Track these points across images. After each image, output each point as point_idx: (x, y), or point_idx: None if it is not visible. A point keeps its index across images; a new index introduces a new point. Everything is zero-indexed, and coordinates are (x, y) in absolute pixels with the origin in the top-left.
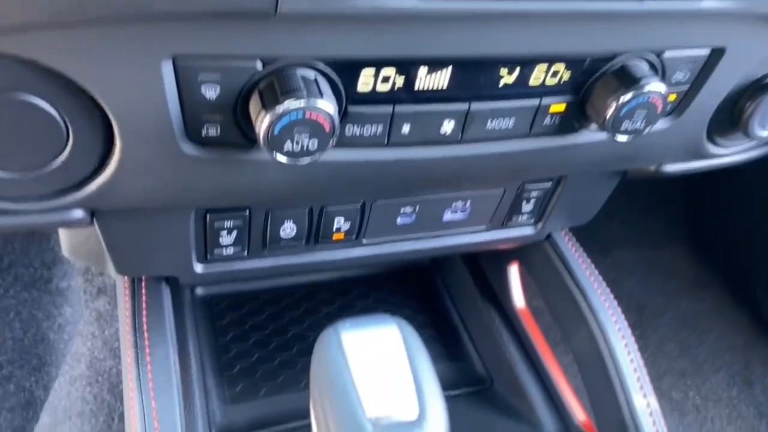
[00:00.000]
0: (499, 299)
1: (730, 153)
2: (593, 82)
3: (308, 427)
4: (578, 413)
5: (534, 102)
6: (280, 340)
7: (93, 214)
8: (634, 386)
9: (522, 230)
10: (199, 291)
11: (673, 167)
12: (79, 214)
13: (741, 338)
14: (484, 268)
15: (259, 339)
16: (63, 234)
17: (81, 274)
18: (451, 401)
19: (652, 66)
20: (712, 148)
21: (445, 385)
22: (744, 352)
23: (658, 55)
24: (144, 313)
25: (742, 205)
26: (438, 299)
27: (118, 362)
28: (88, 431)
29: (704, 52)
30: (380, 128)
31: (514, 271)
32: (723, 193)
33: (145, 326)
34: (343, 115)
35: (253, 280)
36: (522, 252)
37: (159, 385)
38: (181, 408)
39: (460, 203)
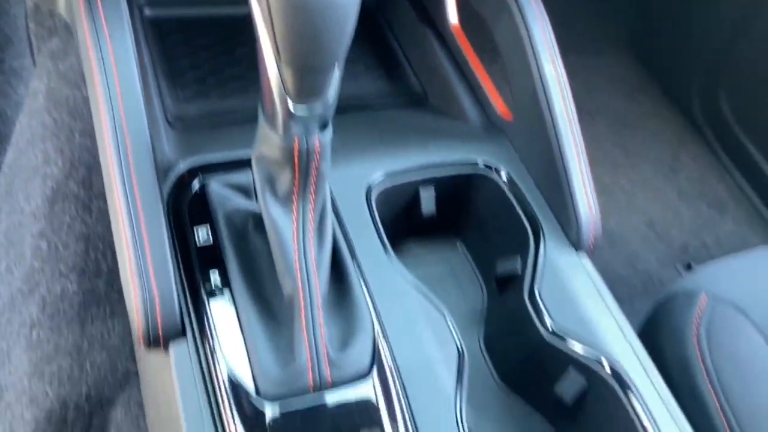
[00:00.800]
0: (436, 24)
1: None
2: None
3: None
4: (500, 105)
5: None
6: (229, 57)
7: None
8: (546, 58)
9: None
10: (148, 12)
11: None
12: None
13: (672, 135)
14: None
15: (209, 55)
16: None
17: (31, 16)
18: (390, 110)
19: None
20: None
21: (384, 97)
22: (673, 146)
23: None
24: None
25: (682, 18)
26: (380, 35)
27: (75, 91)
28: (50, 149)
29: None
30: None
31: None
32: (668, 5)
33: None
34: None
35: (201, 4)
36: None
37: (117, 42)
38: (140, 83)
39: None
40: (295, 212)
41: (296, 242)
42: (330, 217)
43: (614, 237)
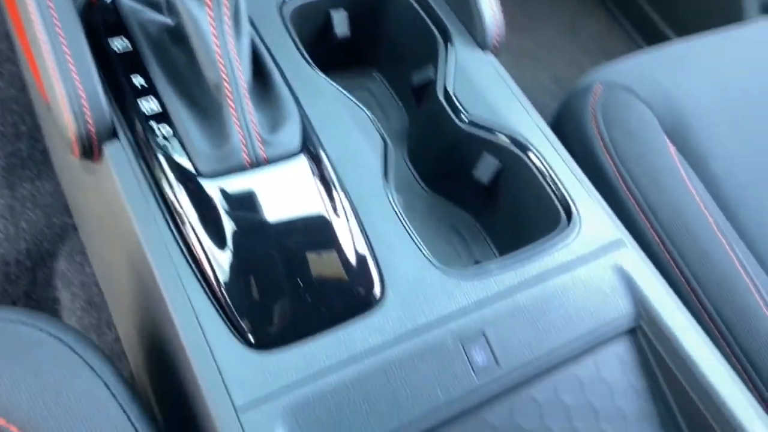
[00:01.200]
0: None
1: None
2: None
3: None
4: None
5: None
6: None
7: None
8: None
9: None
10: None
11: None
12: None
13: (572, 1)
14: None
15: None
16: None
17: None
18: None
19: None
20: None
21: None
22: (574, 10)
23: None
24: None
25: None
26: None
27: None
28: None
29: None
30: None
31: None
32: None
33: None
34: None
35: None
36: None
37: None
38: None
39: None
40: (208, 0)
41: (214, 31)
42: (245, 10)
43: (524, 94)
